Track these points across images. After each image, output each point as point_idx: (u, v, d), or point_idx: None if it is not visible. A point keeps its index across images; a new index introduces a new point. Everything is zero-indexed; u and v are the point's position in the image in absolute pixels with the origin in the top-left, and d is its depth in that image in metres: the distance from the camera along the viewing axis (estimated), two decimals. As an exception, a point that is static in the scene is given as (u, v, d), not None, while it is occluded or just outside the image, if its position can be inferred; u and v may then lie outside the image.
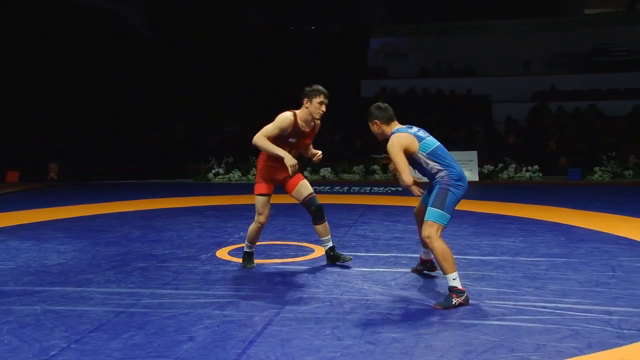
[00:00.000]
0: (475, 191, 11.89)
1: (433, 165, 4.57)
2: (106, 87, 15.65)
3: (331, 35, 19.30)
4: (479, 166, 13.37)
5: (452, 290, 4.32)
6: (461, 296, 4.28)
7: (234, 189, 11.90)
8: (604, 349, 3.48)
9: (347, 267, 5.46)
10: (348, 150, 14.75)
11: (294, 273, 5.31)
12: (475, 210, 8.76)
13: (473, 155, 13.39)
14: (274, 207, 8.75)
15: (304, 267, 5.52)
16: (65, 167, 13.53)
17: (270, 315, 4.17)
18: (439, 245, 4.39)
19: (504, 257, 5.79)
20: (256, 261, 5.69)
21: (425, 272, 5.16)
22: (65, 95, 15.14)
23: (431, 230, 4.43)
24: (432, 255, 4.76)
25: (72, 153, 14.21)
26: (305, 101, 5.21)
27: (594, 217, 8.14)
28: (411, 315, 4.14)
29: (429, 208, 4.51)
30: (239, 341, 3.69)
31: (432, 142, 4.65)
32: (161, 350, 3.55)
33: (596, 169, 13.16)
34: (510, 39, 18.95)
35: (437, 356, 3.43)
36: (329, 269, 5.44)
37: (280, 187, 5.48)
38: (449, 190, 4.51)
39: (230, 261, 5.77)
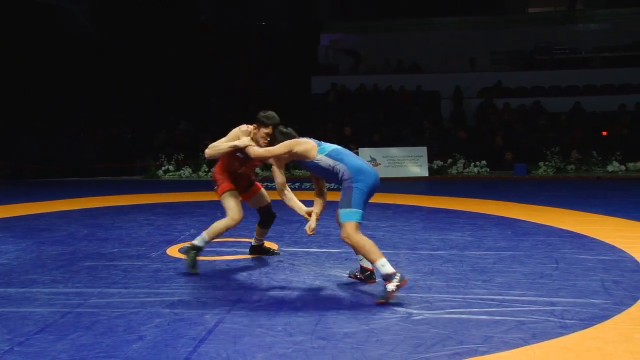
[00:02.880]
0: (425, 186, 12.10)
1: (334, 165, 4.65)
2: (50, 83, 15.21)
3: (281, 31, 19.26)
4: (428, 162, 13.60)
5: (385, 277, 4.35)
6: (395, 279, 4.30)
7: (185, 186, 11.75)
8: (548, 339, 3.59)
9: (299, 264, 5.47)
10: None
11: (245, 270, 5.29)
12: (425, 205, 8.91)
13: (423, 151, 13.61)
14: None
15: (255, 264, 5.50)
16: (4, 165, 13.10)
17: (221, 312, 4.14)
18: (358, 240, 4.46)
19: (452, 251, 5.91)
20: (208, 258, 5.64)
21: (361, 279, 4.94)
22: (6, 91, 14.64)
23: (346, 230, 4.47)
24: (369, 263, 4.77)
25: (12, 150, 13.76)
26: (255, 126, 5.15)
27: (539, 210, 8.39)
28: (363, 311, 4.17)
29: (338, 211, 4.57)
30: (190, 339, 3.65)
31: (329, 145, 4.81)
32: (110, 351, 3.48)
33: (541, 163, 13.56)
34: (456, 36, 19.34)
35: (388, 350, 3.47)
36: (280, 265, 5.44)
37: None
38: (352, 186, 4.53)
39: (180, 259, 5.69)
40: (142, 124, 15.61)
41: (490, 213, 8.17)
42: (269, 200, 5.65)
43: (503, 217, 7.87)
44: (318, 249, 6.08)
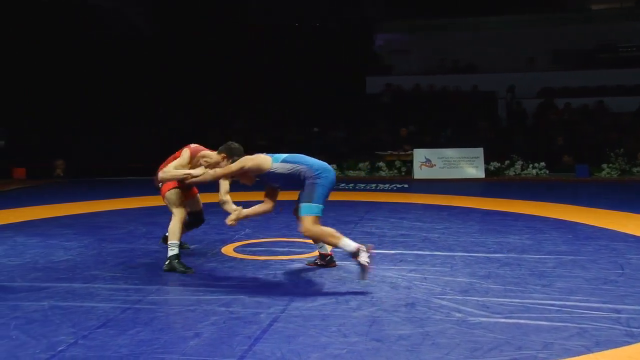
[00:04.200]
0: (481, 188, 11.88)
1: (293, 167, 4.82)
2: (112, 84, 15.66)
3: (335, 31, 19.24)
4: (485, 163, 13.35)
5: (353, 254, 4.60)
6: (362, 254, 4.55)
7: (240, 185, 11.87)
8: (612, 348, 3.46)
9: (353, 265, 5.44)
10: (353, 147, 14.74)
11: (300, 270, 5.30)
12: (481, 207, 8.74)
13: (479, 152, 13.36)
14: (279, 203, 8.75)
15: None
16: (71, 164, 13.56)
17: (276, 312, 4.16)
18: (317, 230, 4.70)
19: (510, 255, 5.77)
20: (262, 257, 5.69)
21: (324, 265, 5.33)
22: (71, 93, 15.16)
23: (305, 223, 4.69)
24: (328, 248, 5.22)
25: (78, 150, 14.24)
26: (224, 156, 5.22)
27: (602, 214, 8.10)
28: (417, 313, 4.12)
29: (300, 205, 4.79)
30: (245, 338, 3.68)
31: (282, 154, 5.02)
32: (168, 346, 3.55)
33: (604, 165, 13.11)
34: (515, 34, 18.88)
35: (444, 354, 3.41)
36: (336, 264, 5.43)
37: None
38: (316, 182, 4.76)
39: (235, 257, 5.77)
40: (197, 122, 15.90)
41: (550, 216, 7.94)
42: (202, 207, 6.01)
43: (563, 220, 7.64)
44: (372, 249, 6.03)
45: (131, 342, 3.62)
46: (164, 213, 8.46)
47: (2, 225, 7.54)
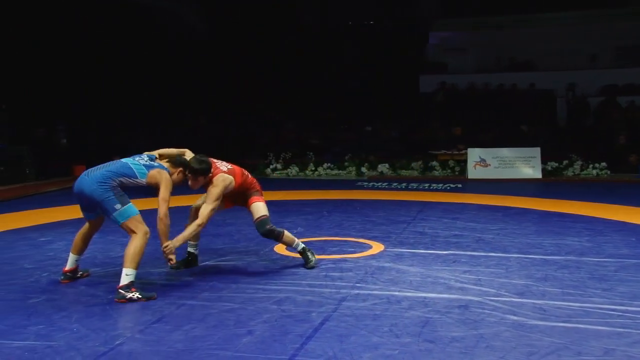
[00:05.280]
0: (538, 188, 11.58)
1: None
2: (169, 84, 16.00)
3: (389, 30, 19.12)
4: (542, 163, 13.02)
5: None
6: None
7: (292, 184, 11.97)
8: (678, 355, 3.31)
9: (405, 265, 5.40)
10: (406, 146, 14.62)
11: (352, 269, 5.28)
12: (537, 208, 8.52)
13: (536, 151, 13.04)
14: (331, 202, 8.77)
15: (361, 264, 5.48)
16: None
17: (327, 311, 4.16)
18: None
19: (569, 257, 5.60)
20: (315, 256, 5.70)
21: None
22: (127, 92, 15.56)
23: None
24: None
25: (132, 147, 14.60)
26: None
27: (666, 216, 7.77)
28: (471, 315, 4.04)
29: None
30: (297, 336, 3.69)
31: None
32: (221, 343, 3.59)
33: (668, 166, 12.59)
34: (575, 31, 18.32)
35: (499, 357, 3.34)
36: (387, 265, 5.39)
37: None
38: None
39: (287, 256, 5.80)
40: (250, 122, 16.07)
41: (611, 218, 7.67)
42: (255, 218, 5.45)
43: (626, 222, 7.37)
44: (425, 250, 5.97)
45: (186, 338, 3.68)
46: (218, 212, 8.59)
47: (63, 221, 7.80)
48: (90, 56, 15.36)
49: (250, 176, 5.37)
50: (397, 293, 4.55)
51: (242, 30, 17.47)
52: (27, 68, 13.97)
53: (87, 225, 4.93)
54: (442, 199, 9.65)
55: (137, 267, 4.46)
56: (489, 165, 13.01)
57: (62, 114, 14.71)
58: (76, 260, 5.00)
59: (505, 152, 13.18)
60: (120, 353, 3.47)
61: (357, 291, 4.62)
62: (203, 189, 5.07)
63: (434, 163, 13.50)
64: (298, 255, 5.64)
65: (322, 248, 6.09)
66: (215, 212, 4.91)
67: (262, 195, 5.36)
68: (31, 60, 14.07)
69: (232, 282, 4.90)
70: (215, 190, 4.88)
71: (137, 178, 4.68)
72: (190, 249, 5.47)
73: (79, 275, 5.04)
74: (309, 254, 5.34)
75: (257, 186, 5.39)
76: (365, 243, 6.33)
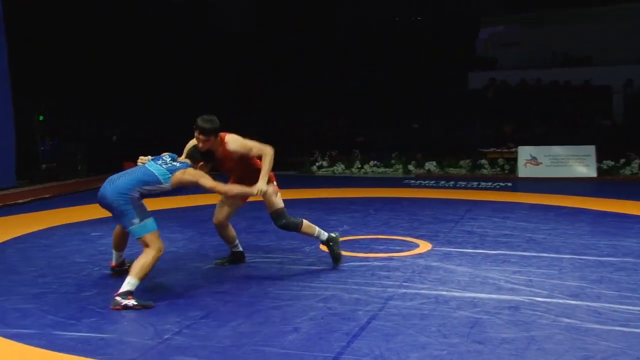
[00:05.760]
0: (592, 188, 11.23)
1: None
2: (206, 82, 16.14)
3: (437, 26, 18.85)
4: (597, 161, 12.61)
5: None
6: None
7: (338, 182, 11.95)
8: None
9: (453, 265, 5.30)
10: (454, 143, 14.40)
11: (398, 268, 5.22)
12: (592, 208, 8.26)
13: (591, 150, 12.64)
14: (378, 200, 8.72)
15: (408, 263, 5.42)
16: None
17: (373, 309, 4.12)
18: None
19: (626, 259, 5.39)
20: (361, 254, 5.67)
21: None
22: (174, 90, 15.78)
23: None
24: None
25: (181, 145, 14.81)
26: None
27: None
28: (522, 316, 3.94)
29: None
30: (343, 334, 3.67)
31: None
32: (267, 340, 3.60)
33: None
34: (631, 24, 17.66)
35: (551, 361, 3.24)
36: (434, 264, 5.31)
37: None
38: None
39: (334, 254, 5.76)
40: (297, 119, 16.10)
41: (670, 218, 7.37)
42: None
43: (686, 223, 7.07)
44: (473, 249, 5.86)
45: (233, 334, 3.70)
46: (263, 208, 8.64)
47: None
48: (138, 53, 15.64)
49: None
50: (445, 293, 4.48)
51: (286, 26, 17.50)
52: (81, 66, 14.35)
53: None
54: (491, 197, 9.46)
55: (142, 280, 4.32)
56: (541, 163, 12.67)
57: (113, 111, 15.05)
58: (120, 256, 5.05)
59: (558, 150, 12.82)
60: (169, 347, 3.51)
61: (404, 290, 4.56)
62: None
63: (483, 161, 13.24)
64: (349, 253, 5.62)
65: (369, 246, 6.05)
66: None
67: (273, 183, 5.06)
68: (84, 58, 14.44)
69: (279, 279, 4.91)
70: (240, 140, 4.87)
71: (161, 184, 4.54)
72: (233, 250, 5.46)
73: (126, 268, 4.96)
74: (333, 245, 5.15)
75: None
76: (412, 242, 6.26)
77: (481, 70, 17.95)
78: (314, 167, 13.88)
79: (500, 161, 13.21)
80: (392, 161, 13.70)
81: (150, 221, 4.44)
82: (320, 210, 8.34)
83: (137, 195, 4.44)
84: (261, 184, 4.72)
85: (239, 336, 3.67)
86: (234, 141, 4.89)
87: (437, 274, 5.02)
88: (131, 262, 4.97)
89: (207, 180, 4.61)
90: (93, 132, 14.60)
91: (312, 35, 17.40)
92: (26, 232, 6.95)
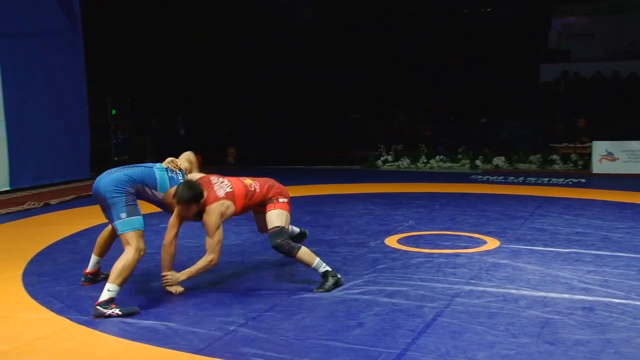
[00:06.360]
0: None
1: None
2: (273, 76, 16.25)
3: (507, 17, 18.31)
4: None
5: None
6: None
7: (403, 177, 11.82)
8: None
9: (522, 263, 5.14)
10: (523, 138, 13.98)
11: (465, 265, 5.11)
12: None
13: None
14: (444, 195, 8.59)
15: (475, 259, 5.29)
16: (242, 152, 14.35)
17: (440, 306, 4.04)
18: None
19: None
20: (426, 250, 5.58)
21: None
22: (243, 84, 15.99)
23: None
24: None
25: (247, 139, 15.01)
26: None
27: None
28: (596, 318, 3.77)
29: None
30: (408, 331, 3.61)
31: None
32: (331, 334, 3.58)
33: None
34: None
35: (629, 365, 3.08)
36: (503, 262, 5.16)
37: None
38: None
39: (399, 249, 5.71)
40: (362, 113, 16.00)
41: None
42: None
43: None
44: (544, 247, 5.66)
45: (296, 327, 3.71)
46: (327, 202, 8.68)
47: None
48: (207, 48, 15.92)
49: (259, 191, 4.63)
50: (513, 291, 4.34)
51: (352, 18, 17.38)
52: (149, 62, 14.76)
53: (110, 227, 4.56)
54: (563, 194, 9.13)
55: (122, 285, 4.08)
56: (617, 159, 12.13)
57: (181, 106, 15.41)
58: (97, 262, 4.75)
59: (635, 145, 12.25)
60: (235, 339, 3.55)
61: (470, 287, 4.45)
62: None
63: (555, 156, 12.81)
64: (414, 249, 5.56)
65: (434, 242, 5.95)
66: (222, 242, 4.41)
67: (276, 202, 4.64)
68: (153, 55, 14.84)
69: (343, 273, 4.88)
70: (210, 218, 4.33)
71: (156, 189, 4.40)
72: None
73: (100, 279, 4.72)
74: (330, 279, 4.47)
75: (272, 194, 4.67)
76: (479, 238, 6.11)
77: (553, 62, 17.35)
78: (379, 162, 13.79)
79: (573, 156, 12.74)
80: (459, 156, 13.44)
81: (137, 219, 4.22)
82: (385, 205, 8.27)
83: (132, 190, 4.28)
84: (177, 276, 4.36)
85: (303, 330, 3.67)
86: (209, 214, 4.39)
87: (506, 271, 4.88)
88: (106, 274, 4.54)
89: (173, 216, 4.42)
90: (162, 126, 15.00)
91: (379, 27, 17.23)
92: (98, 223, 7.19)
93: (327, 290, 4.39)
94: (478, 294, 4.30)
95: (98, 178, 4.36)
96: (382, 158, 13.82)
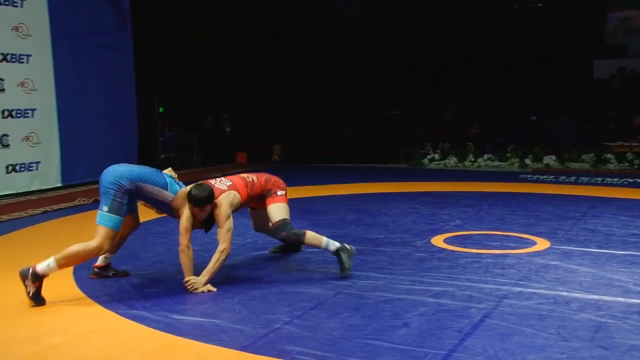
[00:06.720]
0: None
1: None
2: (321, 73, 16.22)
3: (561, 11, 17.81)
4: None
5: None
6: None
7: (450, 176, 11.65)
8: None
9: (574, 264, 4.99)
10: (576, 137, 13.60)
11: (514, 266, 4.99)
12: None
13: None
14: (492, 195, 8.46)
15: (524, 260, 5.16)
16: (287, 150, 14.40)
17: (487, 307, 3.95)
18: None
19: None
20: (474, 250, 5.48)
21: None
22: (289, 82, 16.03)
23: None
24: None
25: (292, 136, 15.04)
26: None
27: None
28: (654, 323, 3.62)
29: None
30: (455, 332, 3.54)
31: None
32: (377, 334, 3.55)
33: None
34: None
35: (689, 373, 2.95)
36: (553, 263, 5.02)
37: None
38: None
39: (445, 249, 5.62)
40: (409, 111, 15.86)
41: None
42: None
43: None
44: (597, 249, 5.48)
45: (342, 326, 3.68)
46: (372, 200, 8.62)
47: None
48: (253, 45, 16.01)
49: (257, 181, 4.92)
50: (565, 293, 4.22)
51: (399, 15, 17.22)
52: (197, 60, 14.94)
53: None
54: (618, 194, 8.83)
55: (61, 268, 4.16)
56: (674, 158, 11.69)
57: (227, 104, 15.57)
58: (106, 257, 4.80)
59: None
60: (280, 336, 3.55)
61: (519, 289, 4.34)
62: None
63: (609, 155, 12.42)
64: (461, 249, 5.46)
65: (482, 242, 5.83)
66: (232, 232, 4.54)
67: (275, 196, 4.93)
68: (201, 52, 15.03)
69: (388, 273, 4.84)
70: (221, 210, 4.51)
71: (166, 189, 4.46)
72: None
73: (110, 275, 4.83)
74: (343, 255, 4.69)
75: (271, 186, 4.96)
76: (529, 239, 5.97)
77: (608, 58, 16.78)
78: (425, 160, 13.63)
79: (629, 155, 12.31)
80: (508, 154, 13.18)
81: (116, 218, 4.27)
82: (431, 204, 8.16)
83: (127, 187, 4.32)
84: (198, 280, 4.40)
85: (348, 329, 3.64)
86: (219, 206, 4.56)
87: (557, 273, 4.74)
88: (117, 270, 4.88)
89: (186, 221, 4.44)
90: (208, 124, 15.19)
91: (425, 25, 17.04)
92: (145, 220, 7.31)
93: (349, 269, 4.68)
94: (527, 295, 4.19)
95: (107, 168, 4.49)
96: (428, 156, 13.67)
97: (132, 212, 4.71)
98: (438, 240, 5.96)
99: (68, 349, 3.48)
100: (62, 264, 4.18)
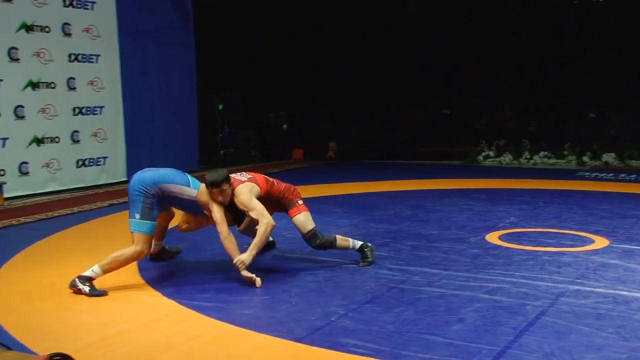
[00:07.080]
0: None
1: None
2: (382, 70, 16.20)
3: (622, 6, 17.24)
4: None
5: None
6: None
7: (505, 173, 11.49)
8: None
9: (634, 264, 4.89)
10: (637, 134, 13.19)
11: (571, 264, 4.93)
12: None
13: None
14: (548, 192, 8.34)
15: (582, 258, 5.09)
16: (342, 146, 14.48)
17: (543, 305, 3.94)
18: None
19: None
20: (530, 247, 5.44)
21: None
22: (343, 79, 16.07)
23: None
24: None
25: (349, 133, 15.11)
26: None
27: None
28: None
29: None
30: (510, 328, 3.55)
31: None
32: (431, 329, 3.59)
33: None
34: None
35: None
36: (612, 262, 4.94)
37: None
38: None
39: (500, 246, 5.59)
40: (464, 108, 15.67)
41: None
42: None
43: None
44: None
45: (396, 320, 3.74)
46: (427, 197, 8.60)
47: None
48: (309, 43, 16.11)
49: (277, 185, 5.01)
50: (625, 293, 4.15)
51: (457, 11, 17.00)
52: (256, 57, 15.17)
53: (161, 215, 4.88)
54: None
55: (105, 273, 4.40)
56: None
57: (284, 101, 15.74)
58: (158, 245, 5.15)
59: None
60: (335, 329, 3.64)
61: (577, 287, 4.30)
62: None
63: (673, 153, 12.02)
64: (516, 246, 5.44)
65: (538, 240, 5.78)
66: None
67: (298, 205, 4.99)
68: (259, 49, 15.24)
69: (443, 268, 4.86)
70: (242, 197, 4.59)
71: (189, 186, 4.59)
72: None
73: (167, 256, 5.28)
74: (366, 251, 5.07)
75: (291, 195, 5.04)
76: (586, 237, 5.87)
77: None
78: (480, 157, 13.47)
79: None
80: (565, 152, 12.89)
81: (149, 224, 4.48)
82: (486, 200, 8.10)
83: (153, 192, 4.48)
84: (245, 257, 4.48)
85: (403, 323, 3.70)
86: (239, 195, 4.64)
87: (616, 272, 4.67)
88: (172, 251, 5.35)
89: (218, 212, 4.54)
90: (266, 120, 15.43)
91: (482, 21, 16.77)
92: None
93: (371, 262, 5.01)
94: (585, 294, 4.15)
95: (136, 174, 4.68)
96: (483, 153, 13.51)
97: (164, 210, 4.90)
98: (493, 237, 5.93)
99: (134, 335, 3.66)
100: (106, 270, 4.44)
